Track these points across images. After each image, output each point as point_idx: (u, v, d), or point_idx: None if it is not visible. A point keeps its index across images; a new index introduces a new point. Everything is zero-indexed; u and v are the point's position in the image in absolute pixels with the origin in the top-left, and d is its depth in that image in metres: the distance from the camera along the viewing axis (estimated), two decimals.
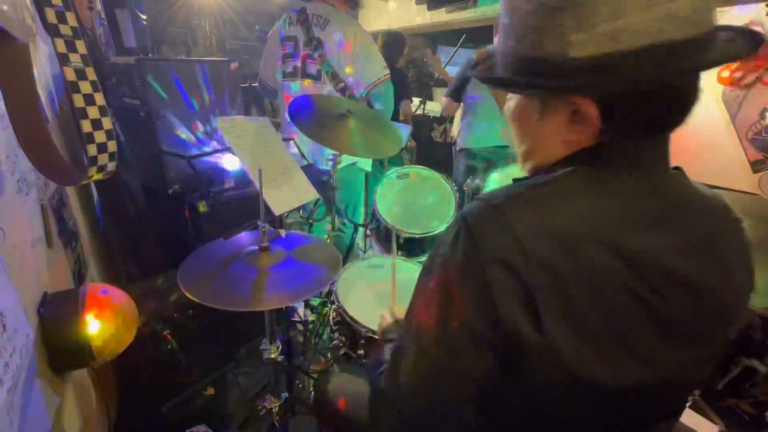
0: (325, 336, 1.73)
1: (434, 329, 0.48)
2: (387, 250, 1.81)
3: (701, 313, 0.48)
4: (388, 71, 1.92)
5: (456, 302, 0.46)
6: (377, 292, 1.40)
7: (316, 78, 1.91)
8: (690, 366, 0.51)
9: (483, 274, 0.43)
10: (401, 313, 0.77)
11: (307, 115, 1.42)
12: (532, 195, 0.47)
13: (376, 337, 1.19)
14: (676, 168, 0.52)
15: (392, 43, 2.81)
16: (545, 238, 0.42)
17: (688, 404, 1.24)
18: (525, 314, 0.42)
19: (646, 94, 0.44)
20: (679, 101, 0.46)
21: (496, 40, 1.91)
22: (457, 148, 2.63)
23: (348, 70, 1.87)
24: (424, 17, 4.24)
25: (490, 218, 0.45)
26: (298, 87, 1.96)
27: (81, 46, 0.83)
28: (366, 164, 2.15)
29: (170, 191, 1.53)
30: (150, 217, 1.61)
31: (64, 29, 0.80)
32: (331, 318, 1.40)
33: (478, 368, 0.46)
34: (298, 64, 1.92)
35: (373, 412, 0.58)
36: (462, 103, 2.50)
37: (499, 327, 0.43)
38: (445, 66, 3.62)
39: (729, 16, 2.01)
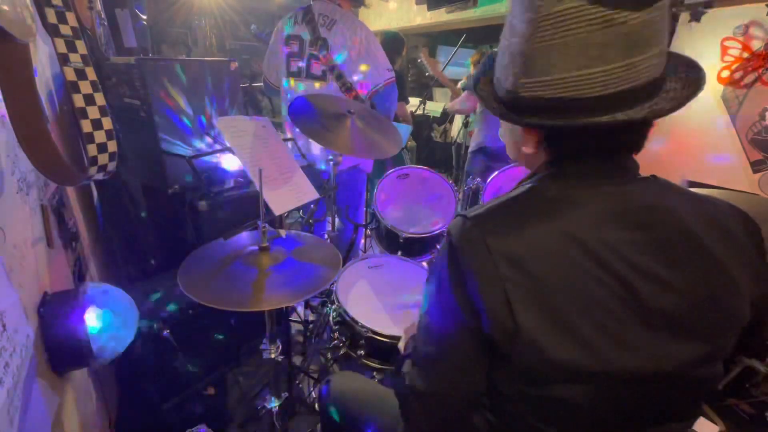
0: (325, 336, 1.73)
1: (437, 327, 0.59)
2: (387, 250, 1.81)
3: (685, 306, 0.50)
4: (392, 73, 1.91)
5: (449, 305, 0.55)
6: (377, 292, 1.40)
7: (321, 78, 1.89)
8: (687, 362, 0.51)
9: (465, 281, 0.53)
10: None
11: (308, 115, 1.42)
12: (501, 218, 0.55)
13: (377, 337, 1.20)
14: (654, 176, 0.57)
15: (390, 44, 2.78)
16: (511, 255, 0.51)
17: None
18: (502, 308, 0.50)
19: (581, 129, 0.51)
20: (617, 136, 0.53)
21: None
22: (475, 147, 2.59)
23: (353, 71, 1.85)
24: (424, 17, 4.24)
25: (468, 240, 0.54)
26: (303, 87, 1.95)
27: (81, 46, 0.84)
28: (367, 166, 2.14)
29: (170, 191, 1.53)
30: (150, 217, 1.61)
31: (64, 29, 0.81)
32: (331, 318, 1.40)
33: (475, 354, 0.55)
34: (303, 64, 1.90)
35: (404, 411, 0.66)
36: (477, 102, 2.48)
37: (483, 319, 0.52)
38: (445, 66, 3.62)
39: (730, 16, 2.01)
